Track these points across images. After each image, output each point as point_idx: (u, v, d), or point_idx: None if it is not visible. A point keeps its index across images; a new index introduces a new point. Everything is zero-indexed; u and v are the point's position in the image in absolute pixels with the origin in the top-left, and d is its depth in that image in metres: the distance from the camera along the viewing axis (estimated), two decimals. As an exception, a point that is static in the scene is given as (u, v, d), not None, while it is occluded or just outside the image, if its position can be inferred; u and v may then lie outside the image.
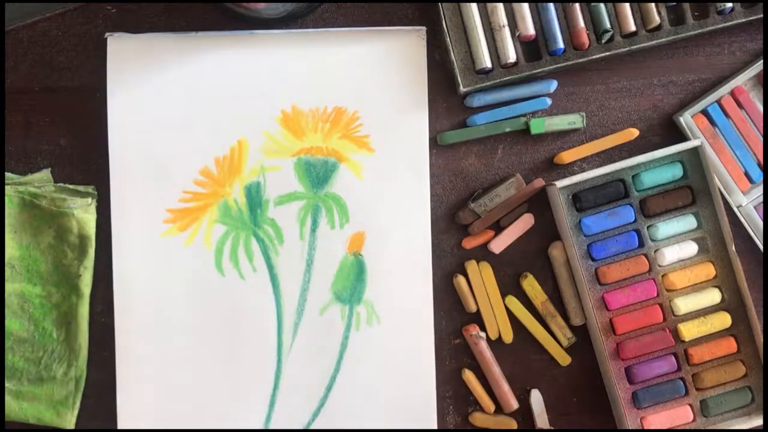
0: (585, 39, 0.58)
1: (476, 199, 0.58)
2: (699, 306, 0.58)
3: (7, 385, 0.56)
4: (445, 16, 0.57)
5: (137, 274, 0.57)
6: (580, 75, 0.60)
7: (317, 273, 0.58)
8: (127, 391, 0.57)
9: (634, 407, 0.58)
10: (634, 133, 0.60)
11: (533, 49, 0.59)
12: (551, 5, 0.58)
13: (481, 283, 0.59)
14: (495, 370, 0.58)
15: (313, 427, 0.58)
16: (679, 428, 0.58)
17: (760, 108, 0.60)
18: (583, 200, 0.57)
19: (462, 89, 0.57)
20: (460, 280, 0.59)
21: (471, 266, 0.59)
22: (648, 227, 0.58)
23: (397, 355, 0.58)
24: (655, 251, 0.58)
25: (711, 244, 0.58)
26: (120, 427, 0.57)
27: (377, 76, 0.58)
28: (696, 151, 0.57)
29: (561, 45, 0.58)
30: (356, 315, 0.58)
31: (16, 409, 0.56)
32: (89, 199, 0.56)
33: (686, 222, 0.58)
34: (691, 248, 0.58)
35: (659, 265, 0.58)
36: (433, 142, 0.59)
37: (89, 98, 0.57)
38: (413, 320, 0.58)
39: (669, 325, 0.58)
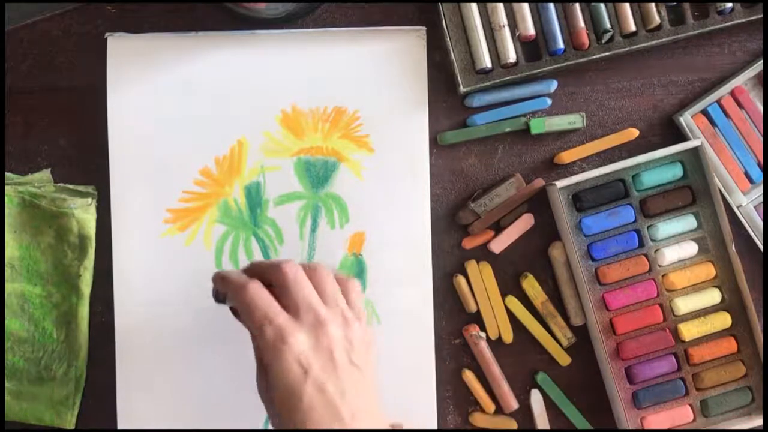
0: (585, 39, 0.58)
1: (476, 199, 0.58)
2: (699, 306, 0.58)
3: (7, 385, 0.56)
4: (445, 16, 0.57)
5: (137, 274, 0.57)
6: (580, 75, 0.60)
7: (317, 273, 0.58)
8: (127, 391, 0.57)
9: (634, 407, 0.58)
10: (634, 133, 0.59)
11: (533, 49, 0.59)
12: (551, 5, 0.58)
13: (481, 283, 0.59)
14: (495, 370, 0.58)
15: (313, 427, 0.58)
16: (679, 428, 0.58)
17: (760, 108, 0.60)
18: (583, 200, 0.57)
19: (462, 89, 0.57)
20: (460, 280, 0.59)
21: (471, 266, 0.59)
22: (648, 227, 0.58)
23: (397, 355, 0.58)
24: (655, 251, 0.58)
25: (711, 244, 0.58)
26: (120, 427, 0.57)
27: (377, 76, 0.58)
28: (696, 151, 0.57)
29: (561, 45, 0.58)
30: (356, 315, 0.58)
31: (16, 409, 0.56)
32: (89, 199, 0.56)
33: (686, 222, 0.58)
34: (691, 248, 0.58)
35: (659, 265, 0.58)
36: (433, 142, 0.59)
37: (89, 98, 0.57)
38: (413, 320, 0.58)
39: (669, 325, 0.58)
